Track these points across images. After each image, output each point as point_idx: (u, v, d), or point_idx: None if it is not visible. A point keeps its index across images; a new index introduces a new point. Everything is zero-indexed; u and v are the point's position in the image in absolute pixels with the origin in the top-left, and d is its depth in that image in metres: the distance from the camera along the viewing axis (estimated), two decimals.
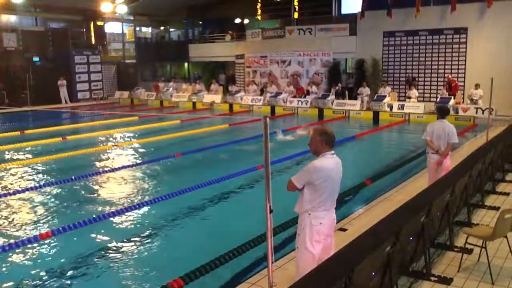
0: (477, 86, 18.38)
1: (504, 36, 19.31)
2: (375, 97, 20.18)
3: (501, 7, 19.30)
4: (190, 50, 30.39)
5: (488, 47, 19.75)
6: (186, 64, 32.68)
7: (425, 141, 7.39)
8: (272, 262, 3.88)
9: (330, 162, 4.19)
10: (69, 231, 6.72)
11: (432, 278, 4.83)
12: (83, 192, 9.17)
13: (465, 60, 20.52)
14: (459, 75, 20.41)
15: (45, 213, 7.95)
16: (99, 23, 31.43)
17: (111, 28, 33.70)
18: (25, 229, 7.18)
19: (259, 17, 29.48)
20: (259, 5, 28.55)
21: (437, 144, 7.20)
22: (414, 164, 11.05)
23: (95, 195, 9.07)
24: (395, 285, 4.22)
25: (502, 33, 19.38)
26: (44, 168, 11.07)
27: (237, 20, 32.36)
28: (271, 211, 3.78)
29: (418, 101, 20.31)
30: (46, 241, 6.57)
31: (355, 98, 21.25)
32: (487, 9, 19.49)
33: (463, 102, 19.24)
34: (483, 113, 16.86)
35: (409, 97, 20.17)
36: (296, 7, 26.88)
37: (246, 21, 32.13)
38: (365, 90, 20.79)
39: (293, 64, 24.78)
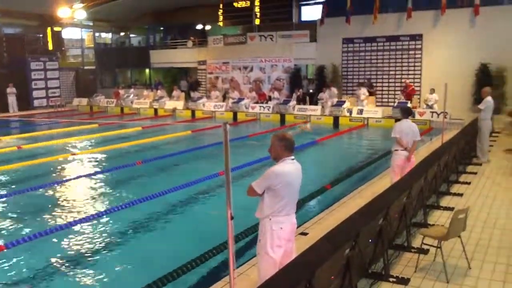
0: (432, 91, 19.03)
1: (456, 42, 20.08)
2: (335, 103, 20.53)
3: (454, 15, 20.06)
4: (152, 56, 30.05)
5: (442, 53, 20.48)
6: (147, 70, 32.28)
7: (395, 139, 7.70)
8: (234, 269, 3.88)
9: (290, 167, 4.24)
10: (24, 243, 6.50)
11: (391, 279, 4.96)
12: (40, 203, 8.89)
13: (420, 66, 21.19)
14: (415, 80, 21.06)
15: None
16: (56, 28, 30.64)
17: (69, 33, 32.95)
18: None
19: (221, 24, 29.44)
20: (220, 11, 28.54)
21: (405, 142, 7.62)
22: (373, 167, 11.30)
23: (54, 205, 8.80)
24: (355, 287, 4.30)
25: (455, 40, 20.13)
26: None
27: (199, 26, 32.26)
28: (232, 218, 3.78)
29: (377, 105, 20.85)
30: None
31: (316, 104, 21.56)
32: (441, 16, 20.22)
33: (419, 106, 19.86)
34: (438, 117, 17.44)
35: (358, 96, 20.63)
36: (258, 13, 27.05)
37: (208, 27, 32.08)
38: (324, 95, 21.04)
39: (255, 70, 24.94)
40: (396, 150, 7.79)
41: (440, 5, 19.95)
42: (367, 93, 20.76)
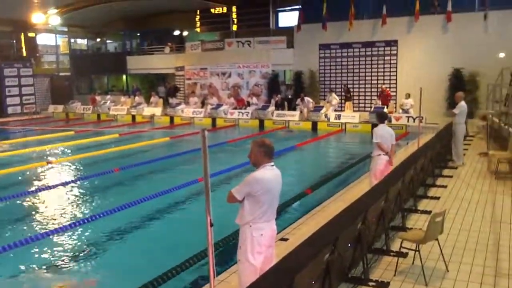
0: (407, 95, 19.34)
1: (430, 48, 20.47)
2: (313, 108, 20.68)
3: (427, 21, 20.47)
4: (129, 62, 29.78)
5: (417, 59, 20.85)
6: (124, 77, 31.98)
7: (376, 144, 7.79)
8: (214, 277, 3.85)
9: (269, 174, 4.23)
10: None
11: (370, 283, 4.99)
12: (15, 212, 8.68)
13: (396, 71, 21.52)
14: (391, 85, 21.37)
15: None
16: (30, 34, 30.14)
17: (44, 39, 32.41)
18: None
19: (198, 29, 29.44)
20: (198, 17, 28.53)
21: (386, 146, 7.78)
22: (351, 171, 11.40)
23: (29, 215, 8.60)
24: None
25: (428, 45, 20.53)
26: None
27: (176, 32, 32.14)
28: (211, 225, 3.75)
29: (354, 110, 21.09)
30: None
31: (294, 109, 21.67)
32: (415, 22, 20.60)
33: (395, 111, 20.15)
34: (414, 121, 17.72)
35: (330, 102, 20.82)
36: (235, 19, 27.12)
37: (185, 33, 31.99)
38: (304, 104, 21.08)
39: (233, 76, 24.94)
40: (378, 155, 7.87)
41: (414, 11, 20.33)
42: (337, 98, 20.96)
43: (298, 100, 21.33)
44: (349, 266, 4.82)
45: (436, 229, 5.21)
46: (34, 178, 11.68)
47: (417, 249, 5.20)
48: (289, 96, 23.58)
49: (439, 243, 5.40)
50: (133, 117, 24.05)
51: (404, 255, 5.61)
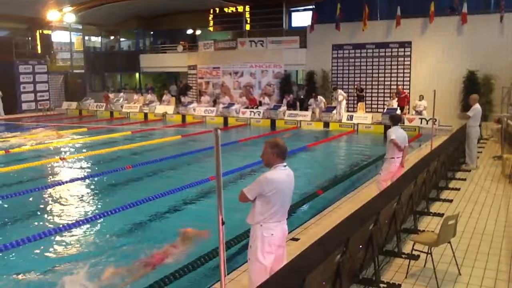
0: (421, 97, 19.19)
1: (444, 49, 20.30)
2: (325, 108, 20.63)
3: (442, 23, 20.30)
4: (142, 61, 29.97)
5: (431, 60, 20.69)
6: (137, 75, 32.18)
7: (392, 142, 7.72)
8: (225, 275, 3.86)
9: (282, 174, 4.23)
10: (12, 249, 6.42)
11: (381, 285, 4.96)
12: (28, 208, 8.78)
13: (410, 73, 21.38)
14: (405, 87, 21.22)
15: None
16: (45, 32, 30.40)
17: (59, 37, 32.69)
18: None
19: (211, 29, 29.49)
20: (211, 16, 28.57)
21: (402, 146, 7.80)
22: (363, 173, 11.34)
23: (41, 210, 8.70)
24: None
25: (443, 47, 20.36)
26: None
27: (189, 31, 32.24)
28: (223, 223, 3.76)
29: (366, 111, 20.99)
30: None
31: (306, 109, 21.63)
32: (429, 24, 20.44)
33: (408, 112, 20.01)
34: (427, 123, 17.58)
35: (336, 99, 20.74)
36: (248, 19, 27.13)
37: (198, 32, 32.08)
38: (318, 102, 21.03)
39: (246, 75, 24.95)
40: (392, 157, 7.84)
41: (428, 13, 20.17)
42: (344, 94, 20.86)
43: (311, 100, 21.23)
44: (360, 267, 4.80)
45: (449, 232, 5.17)
46: (47, 174, 11.80)
47: (429, 252, 5.16)
48: (301, 96, 23.54)
49: (451, 246, 5.35)
50: (146, 115, 24.19)
51: (416, 258, 5.56)
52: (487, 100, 18.41)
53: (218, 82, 25.83)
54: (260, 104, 23.11)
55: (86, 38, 33.54)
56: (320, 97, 21.01)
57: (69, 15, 27.29)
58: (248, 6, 26.87)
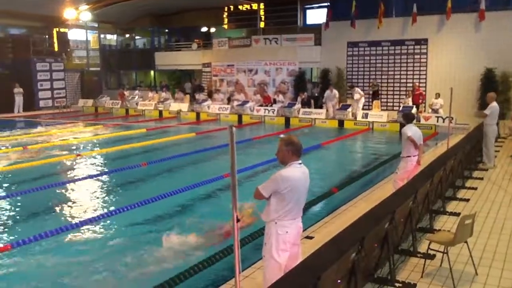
0: (437, 95, 18.98)
1: (462, 47, 20.03)
2: (340, 106, 20.52)
3: (459, 19, 20.02)
4: (156, 58, 30.14)
5: (448, 58, 20.43)
6: (152, 72, 32.37)
7: (409, 139, 7.68)
8: (240, 272, 3.86)
9: (297, 172, 4.22)
10: (30, 243, 6.52)
11: (397, 284, 4.92)
12: (45, 204, 8.89)
13: (426, 70, 21.14)
14: (421, 85, 21.00)
15: (2, 226, 7.67)
16: (62, 30, 30.72)
17: (75, 35, 33.01)
18: None
19: (225, 26, 29.53)
20: (225, 14, 28.61)
21: (418, 144, 7.76)
22: (379, 171, 11.26)
23: (58, 206, 8.80)
24: None
25: (460, 44, 20.09)
26: (4, 179, 10.69)
27: (204, 29, 32.34)
28: (238, 220, 3.77)
29: (381, 109, 20.82)
30: (4, 255, 6.34)
31: (321, 107, 21.54)
32: (446, 21, 20.18)
33: (424, 111, 19.81)
34: (443, 121, 17.38)
35: (353, 97, 20.57)
36: (262, 17, 27.10)
37: (212, 29, 32.15)
38: (332, 94, 20.91)
39: (260, 73, 24.94)
40: (408, 156, 7.79)
41: (445, 9, 19.91)
42: (361, 92, 20.71)
43: (327, 92, 21.01)
44: (375, 266, 4.77)
45: (466, 231, 5.11)
46: (63, 170, 11.94)
47: (445, 251, 5.10)
48: (316, 94, 23.44)
49: (468, 246, 5.29)
50: (160, 112, 24.33)
51: (432, 257, 5.51)
52: (505, 98, 18.15)
53: (232, 80, 25.86)
54: (275, 102, 23.08)
55: (102, 36, 33.84)
56: (335, 91, 20.92)
57: (85, 13, 27.53)
58: (262, 3, 26.86)
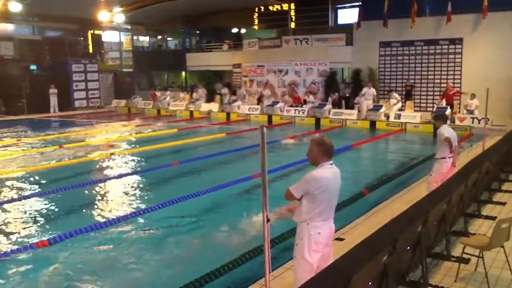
0: (472, 96, 18.48)
1: (498, 46, 19.47)
2: (371, 106, 20.25)
3: (495, 18, 19.46)
4: (188, 59, 30.49)
5: (483, 58, 19.88)
6: (183, 73, 32.77)
7: (445, 140, 7.54)
8: (270, 272, 3.87)
9: (328, 173, 4.20)
10: (65, 239, 6.71)
11: None
12: (80, 201, 9.13)
13: (460, 70, 20.65)
14: (455, 85, 20.52)
15: (41, 222, 7.92)
16: (96, 32, 31.46)
17: (109, 37, 33.75)
18: (21, 238, 7.15)
19: (255, 27, 29.60)
20: (255, 15, 28.68)
21: (454, 146, 7.63)
22: (411, 173, 11.07)
23: (92, 204, 9.03)
24: None
25: (496, 44, 19.53)
26: (41, 177, 11.03)
27: (234, 30, 32.51)
28: (268, 221, 3.78)
29: (415, 110, 20.45)
30: (42, 250, 6.54)
31: (352, 108, 21.32)
32: (482, 20, 19.66)
33: (459, 111, 19.34)
34: (479, 123, 16.94)
35: (389, 102, 20.27)
36: (293, 17, 27.03)
37: (242, 30, 32.28)
38: (371, 91, 20.64)
39: (290, 73, 24.89)
40: (443, 158, 7.64)
41: (481, 8, 19.39)
42: (398, 98, 20.38)
43: (365, 89, 20.77)
44: (407, 269, 4.69)
45: (502, 235, 4.96)
46: (97, 169, 12.23)
47: (481, 255, 4.97)
48: (347, 95, 23.21)
49: (505, 250, 5.13)
50: (191, 112, 24.60)
51: (466, 261, 5.37)
52: None
53: (262, 81, 25.90)
54: (305, 102, 22.99)
55: (135, 37, 34.48)
56: (373, 88, 20.68)
57: (118, 16, 28.10)
58: (293, 4, 26.78)
